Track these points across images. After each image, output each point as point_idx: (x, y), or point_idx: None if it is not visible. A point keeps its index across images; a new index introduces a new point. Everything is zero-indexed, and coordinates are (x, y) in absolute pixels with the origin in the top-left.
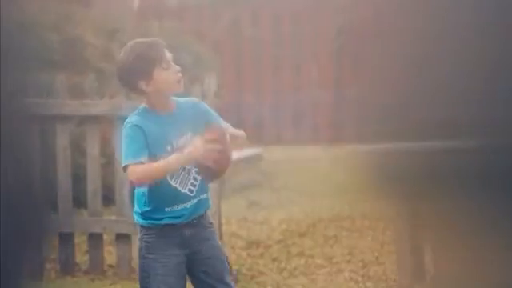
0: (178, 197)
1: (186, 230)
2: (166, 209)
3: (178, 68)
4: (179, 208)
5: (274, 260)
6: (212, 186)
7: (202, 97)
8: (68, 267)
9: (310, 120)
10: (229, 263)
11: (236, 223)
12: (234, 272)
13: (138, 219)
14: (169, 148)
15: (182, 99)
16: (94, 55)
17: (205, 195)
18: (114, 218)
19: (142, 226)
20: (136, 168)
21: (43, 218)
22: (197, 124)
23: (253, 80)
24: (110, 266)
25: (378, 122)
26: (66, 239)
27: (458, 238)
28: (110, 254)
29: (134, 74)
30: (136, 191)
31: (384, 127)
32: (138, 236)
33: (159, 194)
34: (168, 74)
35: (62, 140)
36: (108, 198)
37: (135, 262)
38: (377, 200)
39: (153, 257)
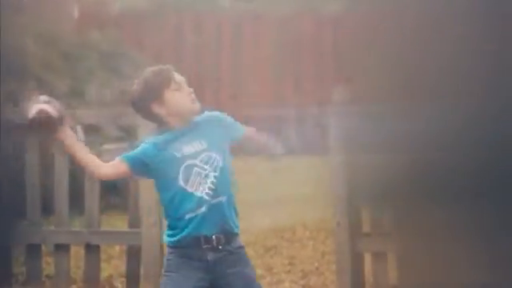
0: (194, 201)
1: (210, 253)
2: (186, 216)
3: (190, 89)
4: (199, 212)
5: None
6: (152, 194)
7: None
8: (5, 278)
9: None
10: None
11: None
12: None
13: (164, 239)
14: (176, 154)
15: (200, 116)
16: (33, 64)
17: (223, 198)
18: (52, 228)
19: (167, 246)
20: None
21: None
22: (210, 132)
23: (194, 89)
24: (48, 276)
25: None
26: (4, 250)
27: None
28: (48, 264)
29: (145, 99)
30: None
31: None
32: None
33: (174, 200)
34: (180, 95)
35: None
36: (49, 208)
37: (74, 272)
38: (318, 210)
39: (168, 275)
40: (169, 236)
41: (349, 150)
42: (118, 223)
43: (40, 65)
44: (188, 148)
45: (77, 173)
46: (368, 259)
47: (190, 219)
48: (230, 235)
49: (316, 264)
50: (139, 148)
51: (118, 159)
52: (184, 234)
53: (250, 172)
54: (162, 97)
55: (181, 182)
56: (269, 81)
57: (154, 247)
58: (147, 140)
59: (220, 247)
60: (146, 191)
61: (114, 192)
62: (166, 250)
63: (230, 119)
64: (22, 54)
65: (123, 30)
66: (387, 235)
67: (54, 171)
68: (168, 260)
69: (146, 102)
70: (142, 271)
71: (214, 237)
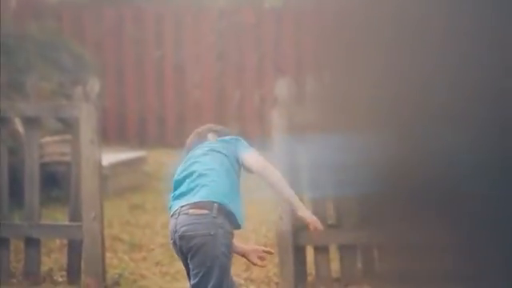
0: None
1: None
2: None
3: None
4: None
5: (157, 264)
6: (93, 187)
7: (84, 99)
8: None
9: (193, 122)
10: None
11: (118, 226)
12: (116, 276)
13: (226, 202)
14: None
15: None
16: None
17: None
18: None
19: (226, 222)
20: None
21: None
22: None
23: (135, 82)
24: None
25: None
26: None
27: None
28: None
29: (207, 129)
30: (221, 180)
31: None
32: (219, 230)
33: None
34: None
35: None
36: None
37: (14, 267)
38: (260, 203)
39: (231, 257)
40: (238, 212)
41: (292, 141)
42: (59, 216)
43: None
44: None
45: (17, 165)
46: (310, 252)
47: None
48: None
49: None
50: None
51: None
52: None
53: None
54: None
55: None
56: (210, 72)
57: (95, 241)
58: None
59: None
60: (88, 184)
61: (55, 185)
62: (228, 226)
63: None
64: None
65: (62, 21)
66: (329, 228)
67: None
68: (230, 241)
69: (206, 130)
70: (82, 265)
71: None
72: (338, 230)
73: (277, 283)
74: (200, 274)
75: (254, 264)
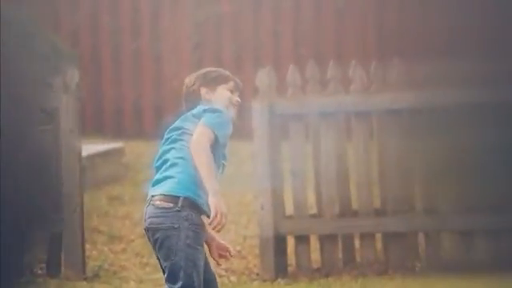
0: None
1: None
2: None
3: (239, 100)
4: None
5: (137, 255)
6: (74, 179)
7: (64, 89)
8: None
9: (171, 113)
10: None
11: (97, 218)
12: (96, 268)
13: (186, 193)
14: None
15: None
16: None
17: None
18: None
19: (189, 214)
20: (209, 138)
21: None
22: None
23: (112, 72)
24: None
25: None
26: None
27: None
28: None
29: (200, 82)
30: (190, 172)
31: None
32: (182, 223)
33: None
34: (228, 96)
35: None
36: None
37: None
38: (241, 194)
39: (199, 249)
40: (201, 199)
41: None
42: None
43: None
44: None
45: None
46: (291, 242)
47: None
48: None
49: (238, 247)
50: (226, 121)
51: (210, 132)
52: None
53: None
54: (216, 88)
55: (218, 166)
56: (188, 63)
57: (76, 233)
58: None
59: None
60: (68, 175)
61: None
62: (190, 214)
63: None
64: None
65: (37, 10)
66: (310, 218)
67: None
68: (196, 233)
69: (199, 83)
70: (62, 257)
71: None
72: (319, 219)
73: (257, 274)
74: (168, 268)
75: (213, 258)
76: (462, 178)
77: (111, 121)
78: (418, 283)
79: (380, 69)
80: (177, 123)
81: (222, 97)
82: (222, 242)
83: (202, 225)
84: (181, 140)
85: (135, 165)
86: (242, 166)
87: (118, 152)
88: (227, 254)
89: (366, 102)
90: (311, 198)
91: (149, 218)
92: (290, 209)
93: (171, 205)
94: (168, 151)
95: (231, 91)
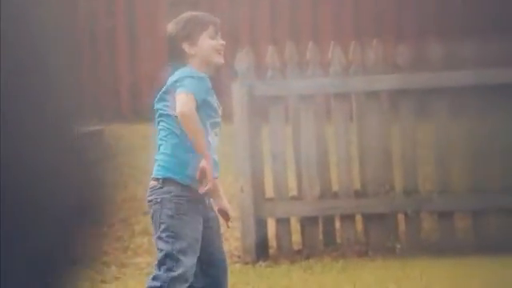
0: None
1: (206, 198)
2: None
3: (223, 42)
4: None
5: (118, 239)
6: None
7: None
8: None
9: (148, 95)
10: None
11: None
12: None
13: (168, 175)
14: (212, 107)
15: None
16: None
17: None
18: None
19: (170, 188)
20: (191, 103)
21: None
22: None
23: (87, 54)
24: None
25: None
26: None
27: None
28: None
29: (180, 37)
30: (175, 143)
31: None
32: (161, 196)
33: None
34: (212, 43)
35: None
36: None
37: None
38: (221, 175)
39: (182, 218)
40: (187, 177)
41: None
42: None
43: None
44: (219, 110)
45: None
46: (272, 224)
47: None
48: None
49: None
50: (201, 84)
51: (190, 96)
52: (193, 174)
53: (152, 138)
54: (196, 40)
55: (208, 126)
56: (164, 44)
57: None
58: (200, 74)
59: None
60: None
61: None
62: (171, 188)
63: None
64: None
65: None
66: (291, 200)
67: None
68: (179, 204)
69: (179, 40)
70: None
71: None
72: (299, 201)
73: (239, 257)
74: (157, 241)
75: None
76: (441, 158)
77: (89, 103)
78: (398, 264)
79: (359, 50)
80: (155, 105)
81: (205, 48)
82: (224, 205)
83: (187, 196)
84: (161, 121)
85: (114, 148)
86: (222, 148)
87: (97, 135)
88: (226, 219)
89: (345, 83)
90: (291, 181)
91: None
92: (270, 191)
93: (155, 183)
94: (158, 134)
95: (212, 37)
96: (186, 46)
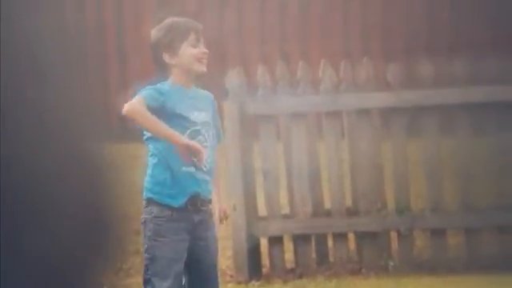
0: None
1: (196, 215)
2: (183, 168)
3: (205, 50)
4: (193, 171)
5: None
6: None
7: None
8: None
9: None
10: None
11: None
12: None
13: (149, 195)
14: (188, 114)
15: (197, 88)
16: None
17: (210, 178)
18: None
19: (152, 208)
20: (138, 103)
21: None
22: (212, 112)
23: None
24: None
25: None
26: None
27: None
28: None
29: (161, 46)
30: (154, 163)
31: None
32: (144, 217)
33: (168, 154)
34: (194, 52)
35: None
36: None
37: None
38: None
39: (160, 240)
40: (164, 195)
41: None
42: None
43: None
44: (198, 114)
45: None
46: (264, 243)
47: (188, 177)
48: (207, 199)
49: None
50: (152, 91)
51: (138, 97)
52: (184, 195)
53: (142, 156)
54: (177, 49)
55: (187, 138)
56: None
57: None
58: (155, 86)
59: (203, 209)
60: None
61: None
62: (152, 208)
63: (220, 123)
64: None
65: None
66: (283, 218)
67: None
68: (157, 225)
69: (159, 50)
70: None
71: (199, 200)
72: (291, 219)
73: (231, 276)
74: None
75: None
76: (432, 176)
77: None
78: (391, 282)
79: (349, 68)
80: None
81: (186, 57)
82: (222, 206)
83: (166, 216)
84: (147, 143)
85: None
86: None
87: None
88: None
89: (336, 101)
90: (283, 198)
91: None
92: (262, 209)
93: (144, 203)
94: None
95: (194, 45)
96: (166, 57)
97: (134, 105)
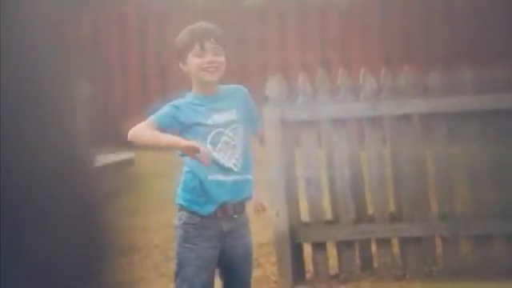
0: (219, 167)
1: (225, 224)
2: (209, 177)
3: (212, 59)
4: (221, 179)
5: (155, 266)
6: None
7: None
8: None
9: None
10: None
11: (111, 229)
12: (114, 280)
13: (180, 201)
14: (207, 121)
15: (226, 86)
16: None
17: (249, 176)
18: None
19: (182, 214)
20: (139, 127)
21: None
22: (240, 106)
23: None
24: None
25: None
26: None
27: None
28: None
29: (177, 55)
30: (185, 171)
31: None
32: (177, 222)
33: (196, 163)
34: (198, 62)
35: None
36: None
37: None
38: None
39: (188, 247)
40: (193, 203)
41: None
42: None
43: None
44: (219, 116)
45: None
46: (308, 249)
47: (215, 186)
48: (242, 207)
49: (255, 255)
50: (163, 111)
51: (149, 119)
52: (213, 203)
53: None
54: (186, 58)
55: (209, 145)
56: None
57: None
58: (172, 103)
59: (235, 217)
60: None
61: None
62: (182, 214)
63: (252, 102)
64: None
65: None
66: (326, 224)
67: None
68: (186, 232)
69: (177, 59)
70: None
71: (230, 206)
72: (335, 225)
73: (275, 282)
74: None
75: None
76: (477, 182)
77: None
78: (436, 287)
79: (389, 76)
80: None
81: (193, 67)
82: (258, 199)
83: (195, 223)
84: None
85: (145, 175)
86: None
87: (128, 163)
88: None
89: (377, 107)
90: (326, 205)
91: None
92: (305, 215)
93: (177, 209)
94: None
95: (198, 55)
96: (182, 66)
97: (134, 130)
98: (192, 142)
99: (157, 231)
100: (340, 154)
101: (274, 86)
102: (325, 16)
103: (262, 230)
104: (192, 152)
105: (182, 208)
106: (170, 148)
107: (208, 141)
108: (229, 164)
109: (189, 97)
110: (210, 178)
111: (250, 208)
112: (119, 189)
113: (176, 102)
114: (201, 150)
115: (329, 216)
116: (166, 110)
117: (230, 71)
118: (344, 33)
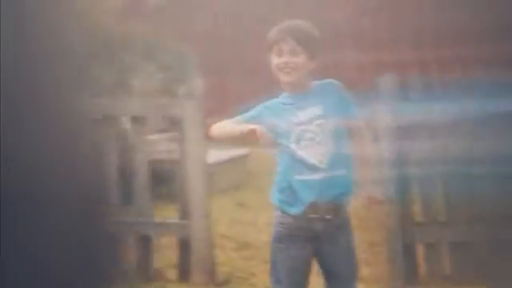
0: (305, 166)
1: (319, 224)
2: (295, 177)
3: (287, 60)
4: (307, 178)
5: (265, 262)
6: (200, 186)
7: (189, 97)
8: None
9: None
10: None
11: (225, 224)
12: (226, 274)
13: (273, 200)
14: (292, 119)
15: (319, 82)
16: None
17: (340, 172)
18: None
19: (277, 213)
20: (223, 121)
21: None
22: (327, 99)
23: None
24: None
25: None
26: None
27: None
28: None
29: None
30: (278, 171)
31: None
32: (274, 221)
33: (288, 164)
34: (276, 61)
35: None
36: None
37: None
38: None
39: (281, 246)
40: (284, 203)
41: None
42: (167, 214)
43: (85, 55)
44: (303, 113)
45: (126, 163)
46: (419, 249)
47: (302, 185)
48: (338, 207)
49: (365, 255)
50: (255, 110)
51: (235, 117)
52: (301, 203)
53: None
54: (269, 57)
55: (293, 146)
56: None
57: (204, 239)
58: (264, 103)
59: (328, 217)
60: (194, 182)
61: (163, 182)
62: (277, 214)
63: (347, 93)
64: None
65: (164, 20)
66: (441, 224)
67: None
68: (279, 231)
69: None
70: (192, 263)
71: (321, 206)
72: (448, 226)
73: (387, 282)
74: None
75: None
76: None
77: None
78: None
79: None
80: None
81: (272, 67)
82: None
83: (287, 223)
84: None
85: (258, 171)
86: (368, 168)
87: (243, 158)
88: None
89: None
90: (440, 205)
91: None
92: (418, 215)
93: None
94: None
95: (278, 55)
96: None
97: (216, 124)
98: (252, 126)
99: (265, 227)
100: (453, 154)
101: (386, 84)
102: (440, 12)
103: (374, 229)
104: (252, 135)
105: (275, 207)
106: (242, 136)
107: (291, 139)
108: (313, 161)
109: (281, 96)
110: (298, 177)
111: (358, 203)
112: (233, 184)
113: (267, 103)
114: (257, 131)
115: (442, 217)
116: (254, 109)
117: (347, 65)
118: (458, 30)
